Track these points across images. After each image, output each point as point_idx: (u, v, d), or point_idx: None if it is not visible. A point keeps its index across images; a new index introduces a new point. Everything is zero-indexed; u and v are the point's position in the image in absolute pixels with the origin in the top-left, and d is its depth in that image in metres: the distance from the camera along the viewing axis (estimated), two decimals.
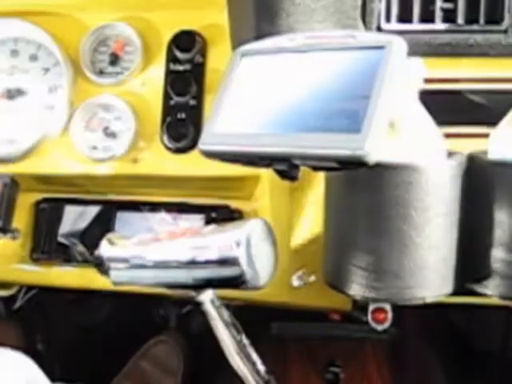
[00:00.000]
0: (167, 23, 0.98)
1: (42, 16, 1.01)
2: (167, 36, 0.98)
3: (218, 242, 0.69)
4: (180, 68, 0.97)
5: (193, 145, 0.94)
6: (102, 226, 1.02)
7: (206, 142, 0.69)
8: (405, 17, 0.86)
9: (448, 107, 0.83)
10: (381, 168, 0.68)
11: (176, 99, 0.96)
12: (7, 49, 1.03)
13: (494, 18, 0.84)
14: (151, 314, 1.46)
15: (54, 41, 0.99)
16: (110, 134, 0.97)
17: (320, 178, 0.82)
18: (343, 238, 0.76)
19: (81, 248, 1.03)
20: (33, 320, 1.36)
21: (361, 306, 0.96)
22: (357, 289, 0.74)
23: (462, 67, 0.85)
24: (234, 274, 0.67)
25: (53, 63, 1.01)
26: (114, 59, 1.00)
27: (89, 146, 0.97)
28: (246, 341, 0.73)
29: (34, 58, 1.02)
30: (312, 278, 0.94)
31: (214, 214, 0.99)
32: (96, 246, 0.78)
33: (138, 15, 1.00)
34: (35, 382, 0.74)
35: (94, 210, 1.04)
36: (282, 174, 0.68)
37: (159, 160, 0.96)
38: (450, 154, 0.73)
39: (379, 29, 0.86)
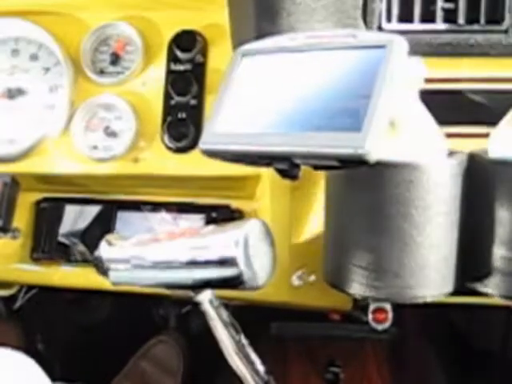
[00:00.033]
0: (168, 23, 0.98)
1: (42, 15, 1.01)
2: (168, 36, 0.98)
3: (216, 242, 0.69)
4: (181, 68, 0.97)
5: (193, 144, 0.94)
6: (103, 225, 1.02)
7: (207, 141, 0.69)
8: (406, 17, 0.86)
9: (449, 107, 0.83)
10: (381, 166, 0.68)
11: (177, 99, 0.96)
12: (8, 48, 1.03)
13: (495, 17, 0.84)
14: (151, 314, 1.46)
15: (54, 40, 0.99)
16: (110, 134, 0.97)
17: (321, 177, 0.82)
18: (344, 236, 0.76)
19: (81, 248, 1.03)
20: (33, 320, 1.36)
21: (361, 305, 0.96)
22: (357, 288, 0.74)
23: (463, 67, 0.85)
24: (232, 274, 0.67)
25: (53, 63, 1.01)
26: (115, 59, 1.00)
27: (89, 145, 0.97)
28: (244, 341, 0.73)
29: (34, 57, 1.02)
30: (312, 278, 0.94)
31: (214, 214, 0.99)
32: (96, 245, 0.78)
33: (138, 15, 1.00)
34: (35, 381, 0.74)
35: (94, 210, 1.04)
36: (283, 173, 0.68)
37: (160, 160, 0.96)
38: (451, 153, 0.73)
39: (380, 29, 0.86)
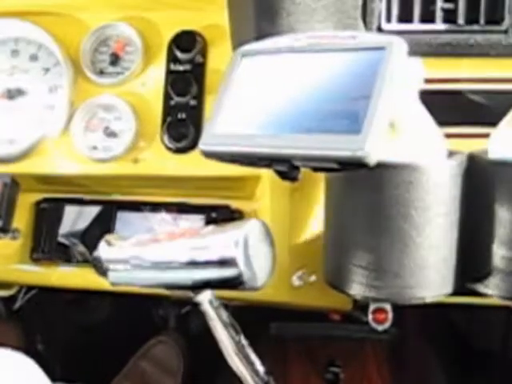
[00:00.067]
0: (168, 23, 0.98)
1: (42, 16, 1.01)
2: (168, 36, 0.98)
3: (216, 242, 0.69)
4: (180, 68, 0.97)
5: (193, 145, 0.94)
6: (103, 225, 1.02)
7: (207, 142, 0.69)
8: (405, 17, 0.86)
9: (449, 107, 0.83)
10: (381, 168, 0.68)
11: (176, 99, 0.96)
12: (8, 49, 1.03)
13: (495, 18, 0.84)
14: (151, 315, 1.46)
15: (54, 41, 0.99)
16: (110, 134, 0.97)
17: (320, 177, 0.82)
18: (344, 237, 0.76)
19: (81, 248, 1.03)
20: (33, 320, 1.36)
21: (361, 306, 0.96)
22: (357, 288, 0.74)
23: (463, 67, 0.85)
24: (232, 274, 0.67)
25: (53, 63, 1.01)
26: (115, 59, 1.00)
27: (89, 146, 0.97)
28: (244, 341, 0.73)
29: (34, 57, 1.02)
30: (312, 278, 0.94)
31: (214, 214, 0.99)
32: (96, 246, 0.78)
33: (138, 15, 1.00)
34: (35, 381, 0.74)
35: (94, 210, 1.04)
36: (283, 175, 0.68)
37: (159, 160, 0.96)
38: (451, 154, 0.73)
39: (380, 29, 0.86)
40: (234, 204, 1.00)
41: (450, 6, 0.85)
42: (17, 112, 1.01)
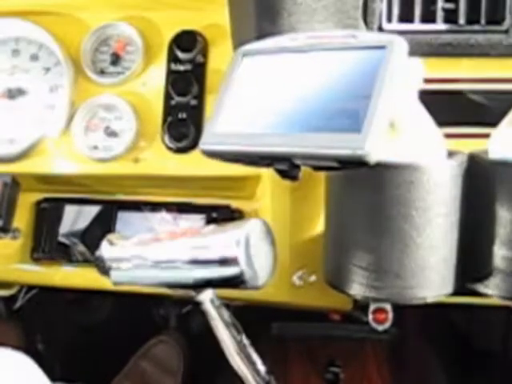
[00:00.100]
0: (168, 23, 0.98)
1: (43, 16, 1.01)
2: (168, 36, 0.98)
3: (217, 241, 0.69)
4: (181, 68, 0.97)
5: (194, 145, 0.94)
6: (103, 225, 1.02)
7: (207, 141, 0.69)
8: (406, 17, 0.86)
9: (449, 107, 0.83)
10: (382, 167, 0.68)
11: (177, 99, 0.96)
12: (8, 48, 1.03)
13: (495, 18, 0.84)
14: (151, 314, 1.46)
15: (55, 40, 0.99)
16: (110, 134, 0.97)
17: (321, 177, 0.82)
18: (344, 237, 0.76)
19: (81, 248, 1.03)
20: (33, 320, 1.36)
21: (361, 306, 0.96)
22: (357, 288, 0.74)
23: (463, 67, 0.85)
24: (233, 273, 0.67)
25: (54, 63, 1.01)
26: (115, 59, 1.00)
27: (90, 145, 0.97)
28: (246, 341, 0.73)
29: (34, 57, 1.02)
30: (313, 278, 0.94)
31: (214, 214, 0.99)
32: (97, 245, 0.78)
33: (139, 15, 1.00)
34: (35, 381, 0.74)
35: (94, 210, 1.04)
36: (283, 174, 0.68)
37: (160, 160, 0.96)
38: (451, 154, 0.73)
39: (380, 29, 0.86)
40: (235, 204, 1.00)
41: (450, 5, 0.85)
42: (17, 112, 1.01)
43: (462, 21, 0.85)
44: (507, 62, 0.84)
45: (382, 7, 0.85)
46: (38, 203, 1.05)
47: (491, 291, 0.73)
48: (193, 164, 0.94)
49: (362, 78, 0.62)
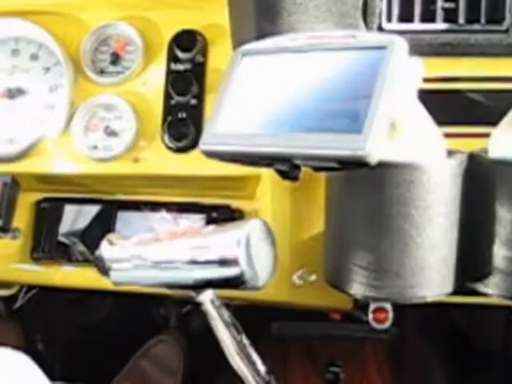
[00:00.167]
0: (168, 23, 0.98)
1: (42, 15, 1.01)
2: (168, 35, 0.98)
3: (217, 242, 0.69)
4: (181, 67, 0.97)
5: (194, 144, 0.94)
6: (103, 225, 1.02)
7: (207, 141, 0.69)
8: (406, 16, 0.86)
9: (449, 107, 0.83)
10: (382, 167, 0.68)
11: (177, 99, 0.96)
12: (8, 48, 1.03)
13: (495, 17, 0.84)
14: (151, 314, 1.46)
15: (54, 40, 0.99)
16: (110, 134, 0.97)
17: (321, 177, 0.82)
18: (344, 236, 0.76)
19: (81, 247, 1.03)
20: (33, 320, 1.36)
21: (361, 305, 0.96)
22: (357, 288, 0.74)
23: (463, 67, 0.85)
24: (234, 273, 0.67)
25: (53, 63, 1.01)
26: (115, 59, 1.00)
27: (89, 145, 0.97)
28: (246, 341, 0.73)
29: (34, 57, 1.02)
30: (313, 277, 0.94)
31: (214, 214, 0.99)
32: (96, 245, 0.78)
33: (138, 15, 1.00)
34: (35, 381, 0.74)
35: (94, 210, 1.04)
36: (283, 174, 0.68)
37: (160, 159, 0.96)
38: (451, 153, 0.73)
39: (380, 28, 0.86)
40: (235, 203, 1.00)
41: (450, 5, 0.85)
42: (17, 111, 1.01)
43: (461, 20, 0.85)
44: (507, 61, 0.84)
45: (381, 7, 0.85)
46: (38, 203, 1.05)
47: (491, 291, 0.73)
48: (193, 164, 0.94)
49: (362, 79, 0.62)
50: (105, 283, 0.80)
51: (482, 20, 0.84)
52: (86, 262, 1.02)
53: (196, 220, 1.00)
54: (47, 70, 1.02)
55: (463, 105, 0.85)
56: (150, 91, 0.98)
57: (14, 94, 1.01)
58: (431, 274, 0.72)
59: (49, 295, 1.26)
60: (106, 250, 0.77)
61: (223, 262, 0.67)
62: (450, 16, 0.85)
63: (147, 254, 0.73)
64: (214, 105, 0.70)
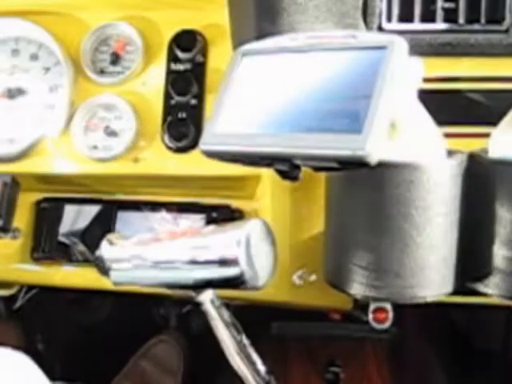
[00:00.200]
0: (168, 23, 0.98)
1: (42, 15, 1.01)
2: (168, 35, 0.98)
3: (217, 242, 0.69)
4: (181, 67, 0.97)
5: (194, 144, 0.94)
6: (103, 225, 1.02)
7: (207, 141, 0.69)
8: (406, 16, 0.86)
9: (449, 107, 0.83)
10: (382, 167, 0.68)
11: (177, 99, 0.96)
12: (8, 48, 1.03)
13: (495, 17, 0.84)
14: (151, 314, 1.46)
15: (54, 40, 0.99)
16: (110, 134, 0.97)
17: (321, 177, 0.82)
18: (344, 236, 0.76)
19: (81, 247, 1.03)
20: (33, 320, 1.36)
21: (361, 305, 0.96)
22: (357, 288, 0.74)
23: (463, 67, 0.85)
24: (234, 273, 0.67)
25: (53, 63, 1.01)
26: (115, 59, 1.00)
27: (89, 145, 0.97)
28: (246, 341, 0.73)
29: (34, 57, 1.02)
30: (313, 277, 0.94)
31: (214, 214, 0.99)
32: (97, 245, 0.78)
33: (138, 15, 1.00)
34: (35, 381, 0.74)
35: (94, 210, 1.04)
36: (283, 174, 0.68)
37: (160, 159, 0.96)
38: (451, 153, 0.73)
39: (380, 28, 0.86)
40: (235, 203, 1.00)
41: (450, 5, 0.85)
42: (17, 111, 1.01)
43: (461, 20, 0.85)
44: (507, 61, 0.84)
45: (381, 7, 0.85)
46: (38, 203, 1.05)
47: (491, 290, 0.73)
48: (193, 164, 0.94)
49: (362, 79, 0.62)
50: (105, 283, 0.80)
51: (482, 20, 0.84)
52: (86, 262, 1.02)
53: (196, 220, 1.00)
54: (47, 70, 1.02)
55: (463, 105, 0.85)
56: (149, 91, 0.98)
57: (13, 93, 1.01)
58: (431, 274, 0.72)
59: (49, 295, 1.26)
60: (106, 250, 0.77)
61: (223, 262, 0.67)
62: (450, 16, 0.85)
63: (147, 254, 0.73)
64: (213, 105, 0.70)
